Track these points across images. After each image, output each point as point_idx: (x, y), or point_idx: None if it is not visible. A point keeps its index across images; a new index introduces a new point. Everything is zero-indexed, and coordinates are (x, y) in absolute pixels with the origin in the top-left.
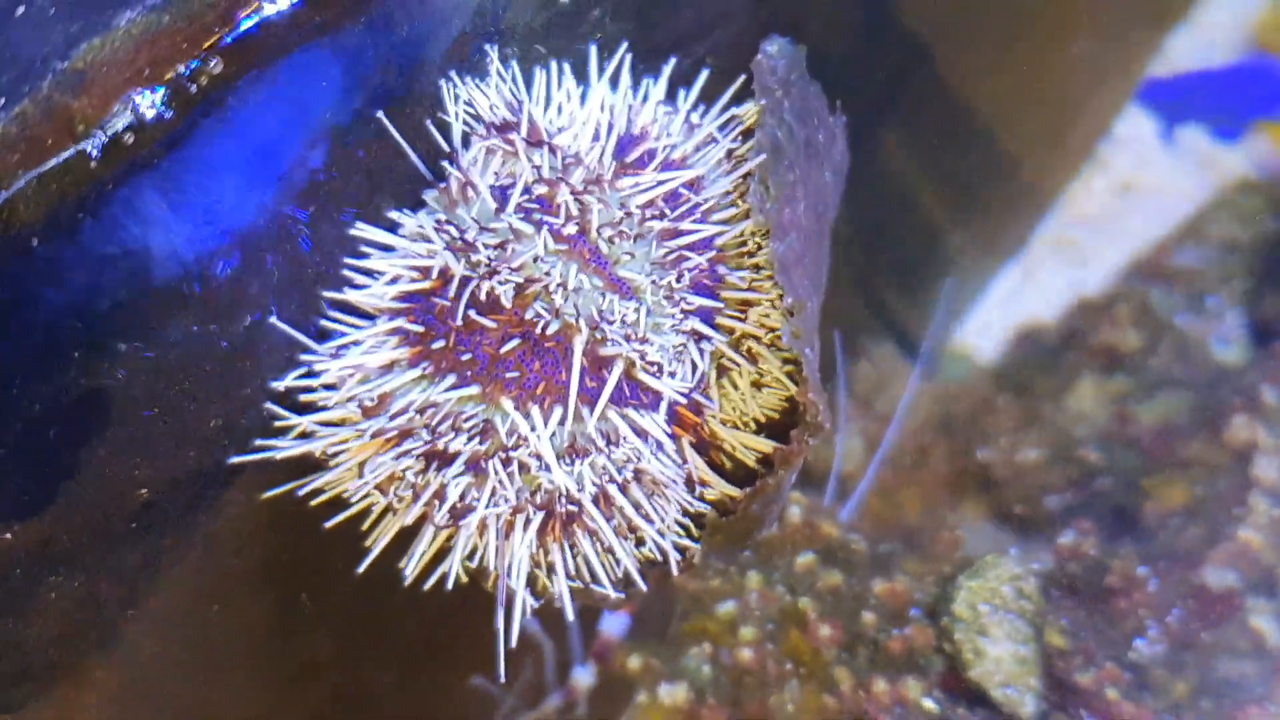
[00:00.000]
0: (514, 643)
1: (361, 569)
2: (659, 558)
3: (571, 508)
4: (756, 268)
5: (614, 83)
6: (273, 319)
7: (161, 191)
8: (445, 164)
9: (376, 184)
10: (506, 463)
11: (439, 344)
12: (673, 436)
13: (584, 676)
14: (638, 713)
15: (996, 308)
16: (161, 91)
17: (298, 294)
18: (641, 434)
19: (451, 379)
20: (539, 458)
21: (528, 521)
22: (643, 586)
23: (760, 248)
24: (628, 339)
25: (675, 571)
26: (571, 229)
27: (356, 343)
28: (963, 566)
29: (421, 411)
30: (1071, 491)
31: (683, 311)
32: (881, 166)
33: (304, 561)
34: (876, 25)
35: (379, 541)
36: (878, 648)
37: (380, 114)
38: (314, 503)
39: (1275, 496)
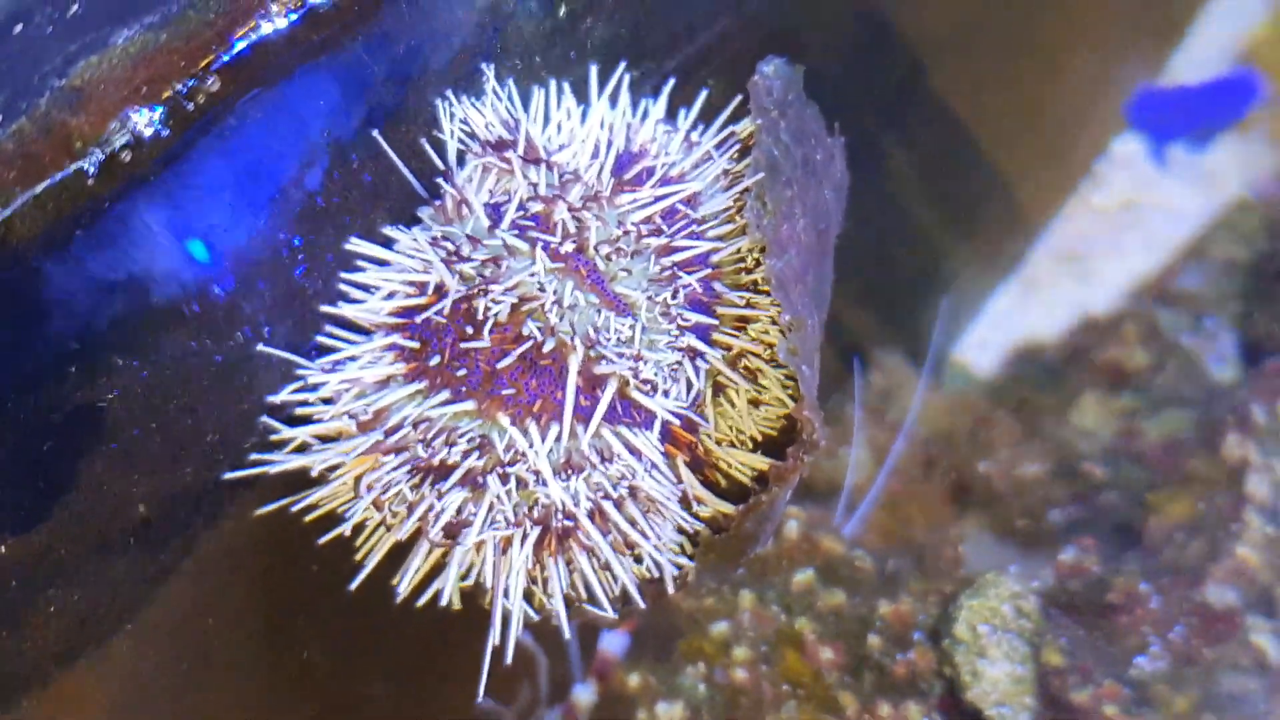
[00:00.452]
0: (509, 660)
1: (355, 585)
2: (656, 575)
3: (567, 523)
4: (755, 285)
5: (613, 101)
6: (264, 341)
7: (159, 209)
8: (440, 181)
9: (374, 201)
10: (505, 478)
11: (435, 360)
12: (666, 455)
13: (585, 694)
14: None
15: (995, 323)
16: (159, 110)
17: (294, 310)
18: (635, 452)
19: (446, 394)
20: (536, 473)
21: (524, 537)
22: (641, 603)
23: (758, 264)
24: (622, 356)
25: (671, 590)
26: (569, 246)
27: (353, 358)
28: (965, 585)
29: (417, 426)
30: (1075, 506)
31: (679, 328)
32: (882, 182)
33: (299, 577)
34: (875, 46)
35: (372, 557)
36: (883, 672)
37: (376, 133)
38: (309, 518)
39: (1267, 514)
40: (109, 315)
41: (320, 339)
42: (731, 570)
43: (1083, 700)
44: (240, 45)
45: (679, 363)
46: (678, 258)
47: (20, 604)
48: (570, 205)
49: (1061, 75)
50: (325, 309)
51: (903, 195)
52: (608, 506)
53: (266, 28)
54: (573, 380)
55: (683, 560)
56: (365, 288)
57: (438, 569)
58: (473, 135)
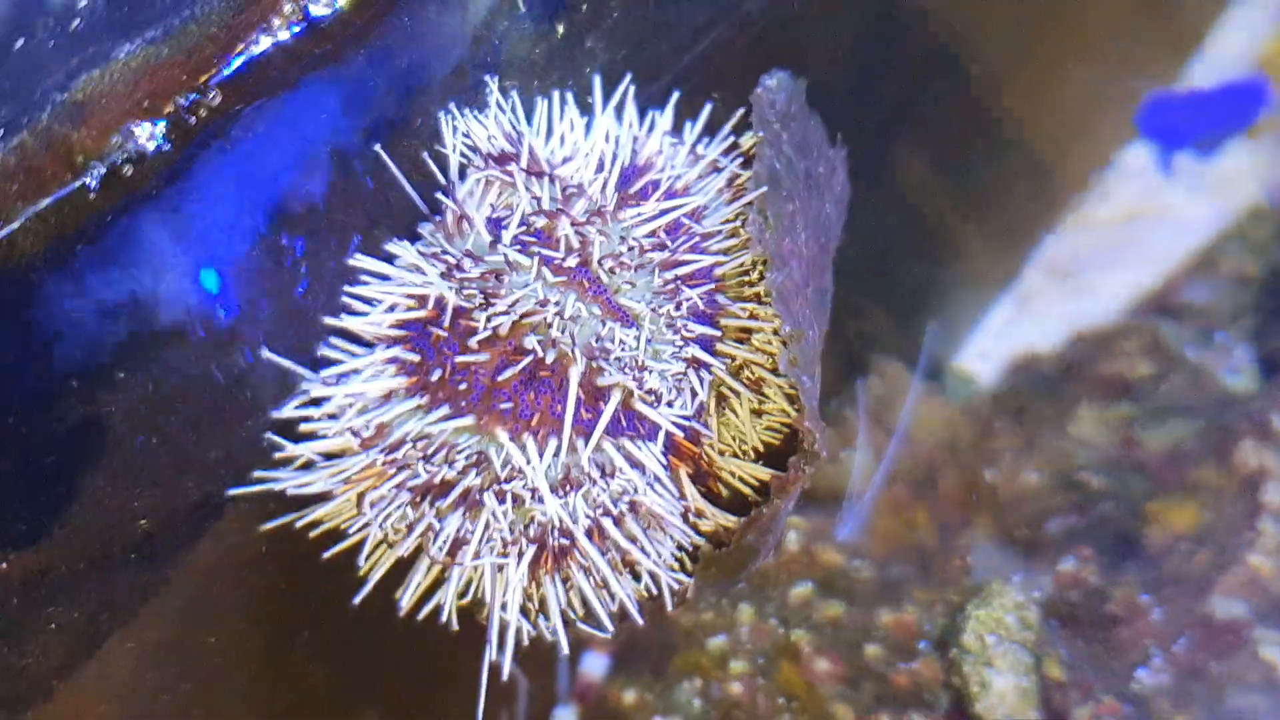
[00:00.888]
0: (506, 676)
1: (357, 600)
2: (654, 590)
3: (564, 541)
4: (758, 297)
5: (619, 113)
6: (267, 353)
7: (161, 223)
8: (441, 196)
9: (376, 215)
10: (501, 496)
11: (436, 374)
12: (669, 468)
13: (566, 716)
14: None
15: (998, 334)
16: (161, 124)
17: (296, 324)
18: (637, 466)
19: (445, 409)
20: (533, 490)
21: (520, 555)
22: (639, 620)
23: (763, 277)
24: (625, 368)
25: (670, 606)
26: (572, 261)
27: (355, 371)
28: (971, 594)
29: (417, 443)
30: (1074, 516)
31: (683, 338)
32: (884, 191)
33: (301, 593)
34: (879, 59)
35: (374, 573)
36: (884, 682)
37: (378, 147)
38: (312, 535)
39: None
40: (111, 330)
41: (323, 350)
42: (732, 585)
43: (1084, 717)
44: (242, 59)
45: (683, 373)
46: (681, 271)
47: (22, 619)
48: (574, 220)
49: (1076, 84)
50: (328, 321)
51: (906, 204)
52: (607, 523)
53: (268, 42)
54: (573, 392)
55: (682, 576)
56: (368, 300)
57: (439, 584)
58: (475, 148)
